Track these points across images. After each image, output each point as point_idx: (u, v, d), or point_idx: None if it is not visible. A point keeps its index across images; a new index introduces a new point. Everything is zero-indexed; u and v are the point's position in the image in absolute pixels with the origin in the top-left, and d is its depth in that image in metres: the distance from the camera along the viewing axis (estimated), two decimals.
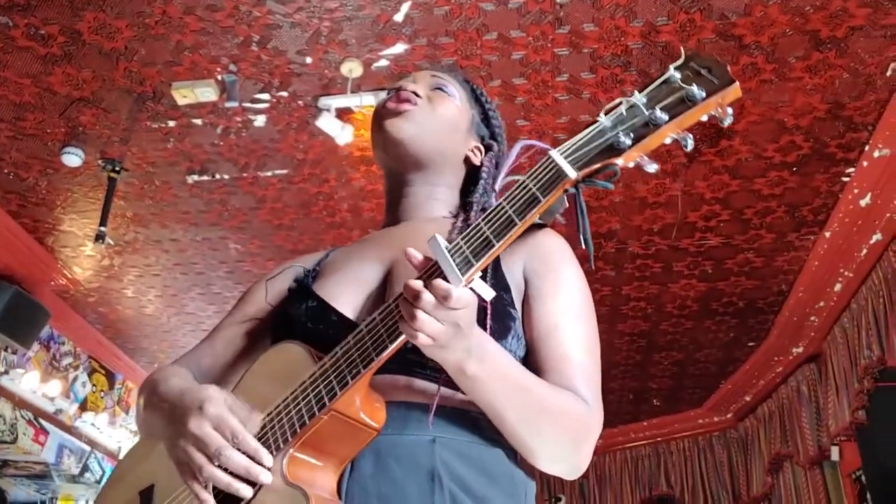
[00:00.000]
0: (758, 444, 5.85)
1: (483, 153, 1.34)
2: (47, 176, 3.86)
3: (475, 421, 1.04)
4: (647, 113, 0.87)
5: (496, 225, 0.89)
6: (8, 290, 4.27)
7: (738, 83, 0.86)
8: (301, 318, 1.14)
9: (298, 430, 0.94)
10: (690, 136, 0.88)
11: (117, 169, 3.75)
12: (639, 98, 0.88)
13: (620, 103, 0.89)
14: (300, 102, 3.37)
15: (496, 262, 1.14)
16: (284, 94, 3.32)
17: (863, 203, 3.79)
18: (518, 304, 1.13)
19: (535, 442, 1.03)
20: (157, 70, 3.20)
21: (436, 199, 1.29)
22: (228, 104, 3.34)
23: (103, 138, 3.60)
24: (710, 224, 4.06)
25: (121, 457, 0.62)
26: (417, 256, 0.93)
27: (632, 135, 0.87)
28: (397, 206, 1.30)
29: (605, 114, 0.89)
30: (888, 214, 3.78)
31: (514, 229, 0.88)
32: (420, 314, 0.87)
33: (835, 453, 4.85)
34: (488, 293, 0.92)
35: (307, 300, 1.17)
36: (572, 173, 0.88)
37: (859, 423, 4.28)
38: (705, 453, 6.43)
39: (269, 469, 0.93)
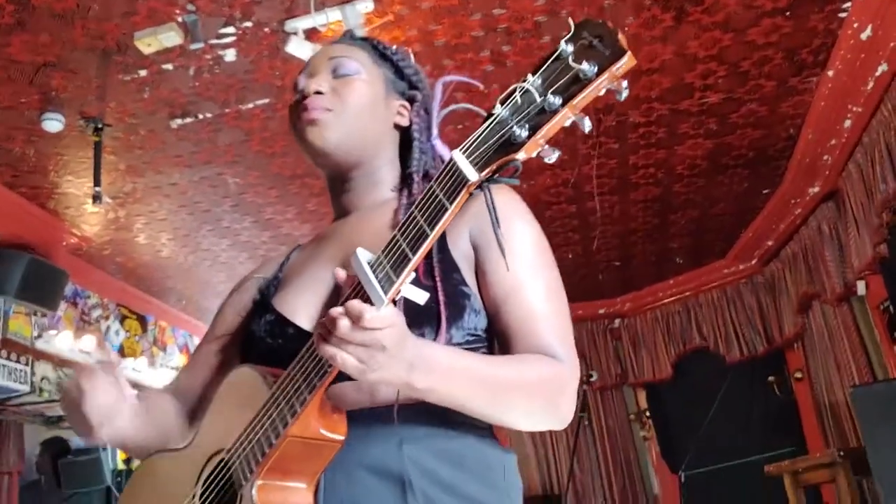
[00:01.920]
0: (785, 286, 5.87)
1: (409, 108, 1.29)
2: (33, 144, 3.82)
3: (441, 413, 1.03)
4: (538, 100, 0.81)
5: (410, 237, 0.87)
6: (22, 258, 4.31)
7: (629, 53, 0.79)
8: (260, 334, 1.14)
9: (260, 460, 0.95)
10: (586, 118, 0.83)
11: (100, 126, 3.69)
12: (532, 82, 0.82)
13: (515, 90, 0.84)
14: (266, 30, 3.25)
15: (441, 241, 1.11)
16: (249, 24, 3.20)
17: (863, 36, 3.63)
18: (471, 276, 1.12)
19: (508, 419, 1.04)
20: (115, 24, 3.09)
21: (378, 182, 1.26)
22: (194, 46, 3.23)
23: (79, 99, 3.53)
24: (708, 82, 3.93)
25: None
26: (342, 276, 0.91)
27: (527, 125, 0.82)
28: (341, 199, 1.28)
29: (502, 103, 0.84)
30: (892, 44, 3.62)
31: (428, 240, 0.86)
32: (334, 342, 0.86)
33: (861, 288, 4.86)
34: (421, 296, 0.90)
35: (265, 314, 1.16)
36: (473, 176, 0.84)
37: (882, 257, 4.27)
38: (734, 302, 6.49)
39: None
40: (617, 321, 7.17)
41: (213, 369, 1.27)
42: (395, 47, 1.34)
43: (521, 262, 1.11)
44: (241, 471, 0.96)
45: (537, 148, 0.83)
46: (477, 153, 0.85)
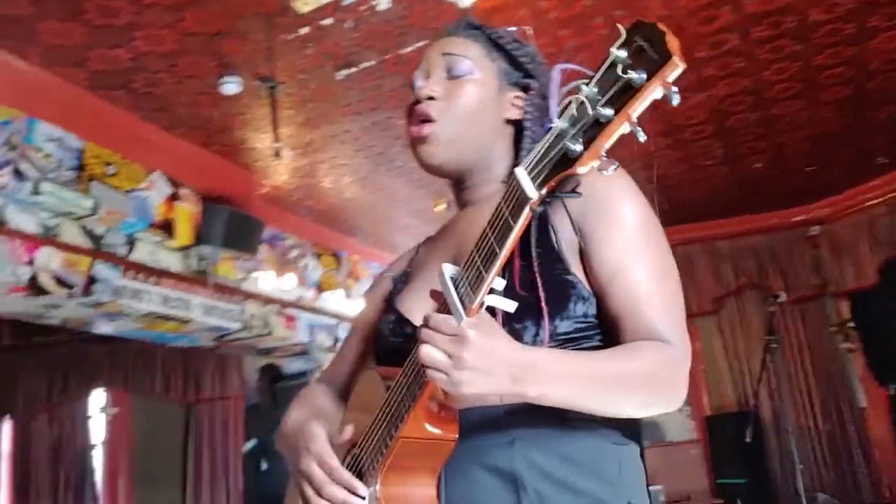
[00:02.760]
0: None
1: (524, 97, 1.26)
2: (217, 106, 4.12)
3: (552, 411, 1.03)
4: (591, 112, 0.79)
5: (484, 255, 0.89)
6: (223, 211, 4.70)
7: (675, 57, 0.74)
8: (385, 333, 1.20)
9: (380, 460, 1.01)
10: (640, 129, 0.79)
11: (273, 85, 3.90)
12: (587, 91, 0.80)
13: (571, 101, 0.81)
14: None
15: (544, 229, 1.11)
16: None
17: None
18: (576, 262, 1.11)
19: (625, 411, 1.03)
20: None
21: (492, 177, 1.26)
22: (347, 0, 3.32)
23: (251, 62, 3.75)
24: None
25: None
26: (437, 290, 0.95)
27: (581, 139, 0.80)
28: (459, 195, 1.30)
29: (559, 116, 0.82)
30: None
31: (499, 259, 0.87)
32: (423, 349, 0.92)
33: None
34: (509, 305, 0.91)
35: (389, 313, 1.22)
36: (533, 194, 0.84)
37: None
38: None
39: (363, 497, 1.02)
40: (814, 228, 6.71)
41: (357, 360, 1.35)
42: (511, 33, 1.31)
43: (625, 244, 1.09)
44: (369, 468, 1.04)
45: (594, 160, 0.82)
46: (537, 169, 0.85)
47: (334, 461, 1.04)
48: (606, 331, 1.11)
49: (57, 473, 7.14)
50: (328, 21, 3.50)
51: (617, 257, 1.09)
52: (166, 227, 4.57)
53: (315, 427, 1.09)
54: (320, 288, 5.95)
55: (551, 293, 1.07)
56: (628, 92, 0.77)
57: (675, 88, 0.78)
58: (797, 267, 6.64)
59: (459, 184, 1.28)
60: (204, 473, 6.97)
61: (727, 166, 5.65)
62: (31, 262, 3.87)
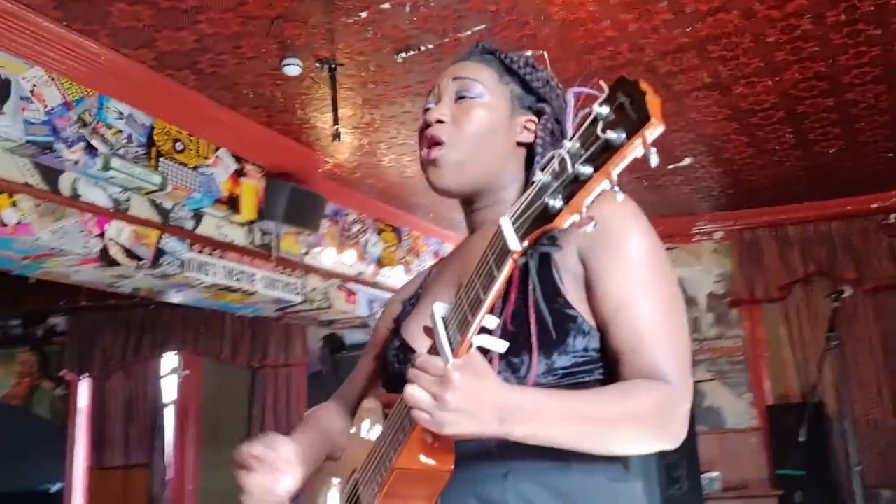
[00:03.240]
0: None
1: (537, 122, 1.26)
2: (279, 87, 4.20)
3: (546, 447, 1.05)
4: (570, 169, 0.79)
5: (470, 300, 0.91)
6: (285, 188, 4.81)
7: (654, 119, 0.74)
8: (390, 360, 1.23)
9: (376, 489, 1.05)
10: (617, 187, 0.80)
11: (333, 66, 3.95)
12: (569, 147, 0.80)
13: (553, 156, 0.82)
14: None
15: (546, 262, 1.11)
16: None
17: None
18: (579, 295, 1.11)
19: (618, 450, 1.05)
20: None
21: (501, 201, 1.26)
22: None
23: (311, 44, 3.80)
24: None
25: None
26: (429, 327, 0.96)
27: (561, 194, 0.81)
28: (469, 217, 1.32)
29: (542, 169, 0.83)
30: None
31: (484, 306, 0.88)
32: (409, 389, 0.95)
33: None
34: (500, 346, 0.93)
35: (395, 338, 1.25)
36: (515, 246, 0.85)
37: None
38: None
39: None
40: (892, 216, 6.46)
41: (368, 379, 1.39)
42: (526, 57, 1.31)
43: (630, 278, 1.09)
44: (367, 493, 1.08)
45: (573, 216, 0.82)
46: (520, 221, 0.86)
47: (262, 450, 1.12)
48: (609, 365, 1.11)
49: (131, 429, 7.50)
50: (386, 5, 3.52)
51: (621, 291, 1.09)
52: (231, 203, 4.69)
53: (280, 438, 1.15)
54: (381, 263, 6.04)
55: (548, 328, 1.07)
56: (608, 151, 0.77)
57: (653, 149, 0.78)
58: (871, 256, 6.42)
59: (469, 205, 1.30)
60: None
61: (798, 151, 5.48)
62: (101, 235, 4.05)
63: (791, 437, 5.77)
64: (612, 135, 0.77)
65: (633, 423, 1.02)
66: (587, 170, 0.79)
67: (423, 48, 3.88)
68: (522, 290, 1.10)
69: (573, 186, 0.80)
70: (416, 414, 0.95)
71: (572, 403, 1.01)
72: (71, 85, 3.84)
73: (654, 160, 0.80)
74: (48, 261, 4.02)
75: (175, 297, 5.04)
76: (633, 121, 0.76)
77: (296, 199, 4.86)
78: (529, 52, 1.34)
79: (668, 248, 6.92)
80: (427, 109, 1.29)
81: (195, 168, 4.47)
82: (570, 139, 0.81)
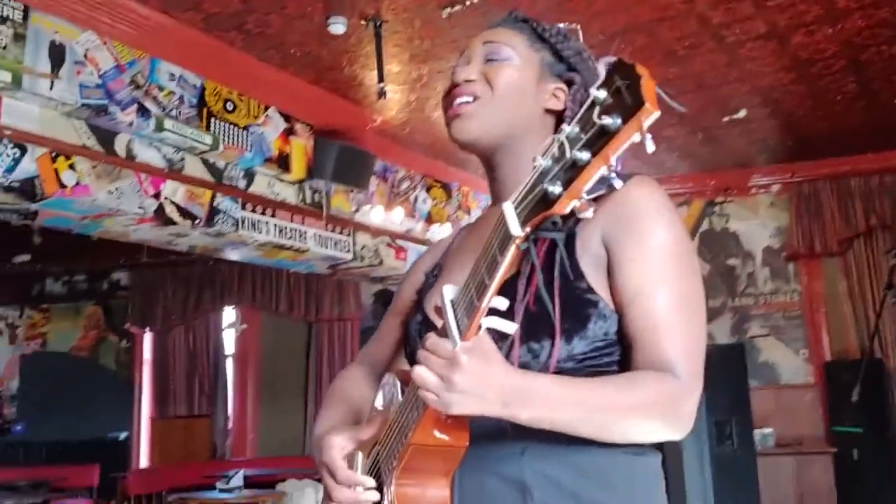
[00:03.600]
0: None
1: (567, 91, 1.24)
2: (326, 45, 4.20)
3: None
4: (568, 155, 0.78)
5: (476, 285, 0.92)
6: (333, 146, 4.84)
7: (648, 104, 0.73)
8: (412, 334, 1.24)
9: (394, 463, 1.07)
10: (613, 173, 0.79)
11: (378, 24, 3.93)
12: (568, 131, 0.79)
13: (553, 140, 0.81)
14: None
15: (570, 244, 1.10)
16: None
17: None
18: (601, 279, 1.10)
19: (620, 439, 1.05)
20: None
21: (525, 169, 1.24)
22: None
23: (356, 2, 3.78)
24: None
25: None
26: (440, 308, 0.98)
27: (561, 180, 0.80)
28: (492, 186, 1.31)
29: (542, 154, 0.82)
30: None
31: (489, 290, 0.89)
32: (416, 370, 0.96)
33: None
34: (510, 327, 0.93)
35: (417, 313, 1.26)
36: (517, 231, 0.84)
37: None
38: None
39: (372, 488, 1.11)
40: None
41: (396, 342, 1.40)
42: (559, 28, 1.29)
43: (650, 267, 1.08)
44: (386, 467, 1.11)
45: (572, 201, 0.81)
46: (522, 206, 0.85)
47: (340, 468, 1.13)
48: (624, 349, 1.11)
49: (192, 381, 7.77)
50: None
51: (639, 280, 1.08)
52: (282, 162, 4.75)
53: (329, 439, 1.17)
54: (430, 220, 6.06)
55: (569, 313, 1.07)
56: (604, 136, 0.76)
57: (649, 135, 0.77)
58: None
59: (491, 170, 1.29)
60: (323, 388, 7.39)
61: (861, 102, 5.28)
62: (157, 195, 4.15)
63: (849, 394, 5.69)
64: (607, 120, 0.76)
65: (638, 414, 1.02)
66: (585, 155, 0.78)
67: (468, 3, 3.83)
68: (547, 274, 1.09)
69: (572, 172, 0.79)
70: (423, 394, 0.97)
71: (579, 391, 1.01)
72: (123, 48, 3.90)
73: (650, 146, 0.79)
74: (106, 220, 4.14)
75: (230, 255, 5.15)
76: (629, 106, 0.75)
77: (344, 157, 4.90)
78: (562, 25, 1.32)
79: (723, 202, 6.86)
80: (454, 73, 1.29)
81: (246, 128, 4.53)
82: (570, 122, 0.81)
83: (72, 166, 3.78)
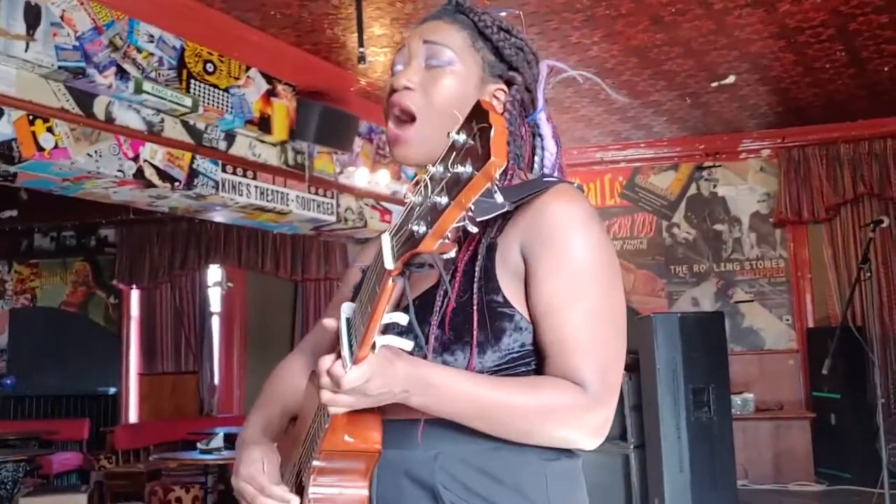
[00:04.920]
0: None
1: (507, 92, 1.21)
2: (307, 7, 4.14)
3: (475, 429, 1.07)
4: (430, 197, 0.78)
5: (363, 311, 0.92)
6: (316, 107, 4.79)
7: (494, 158, 0.73)
8: None
9: (311, 465, 1.09)
10: (469, 223, 0.78)
11: None
12: (432, 171, 0.78)
13: (420, 180, 0.80)
14: None
15: (489, 256, 1.10)
16: None
17: None
18: (518, 289, 1.10)
19: (521, 438, 1.06)
20: None
21: None
22: None
23: None
24: None
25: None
26: (332, 326, 1.00)
27: (423, 221, 0.79)
28: None
29: (414, 188, 0.82)
30: None
31: (374, 319, 0.89)
32: (323, 395, 0.98)
33: None
34: (405, 345, 0.95)
35: None
36: (390, 265, 0.84)
37: None
38: None
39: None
40: None
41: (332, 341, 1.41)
42: (500, 19, 1.25)
43: (564, 281, 1.07)
44: (305, 470, 1.12)
45: (436, 242, 0.80)
46: (396, 238, 0.85)
47: (262, 480, 1.14)
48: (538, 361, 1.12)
49: (179, 338, 7.81)
50: None
51: (553, 295, 1.07)
52: (263, 123, 4.71)
53: (251, 452, 1.19)
54: (416, 182, 6.03)
55: (483, 326, 1.07)
56: (459, 184, 0.76)
57: (496, 189, 0.77)
58: None
59: None
60: None
61: (851, 70, 5.24)
62: (136, 158, 4.12)
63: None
64: (460, 168, 0.75)
65: (535, 416, 1.04)
66: (443, 200, 0.77)
67: None
68: (465, 285, 1.09)
69: (434, 214, 0.78)
70: (334, 410, 1.01)
71: (475, 386, 1.03)
72: (101, 9, 3.84)
73: (500, 199, 0.79)
74: (86, 182, 4.12)
75: (212, 216, 5.15)
76: (479, 156, 0.74)
77: (327, 119, 4.86)
78: (504, 13, 1.29)
79: (712, 167, 6.85)
80: (393, 71, 1.25)
81: (226, 89, 4.48)
82: (435, 163, 0.79)
83: (50, 129, 3.75)
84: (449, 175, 0.76)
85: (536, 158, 1.22)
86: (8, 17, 3.50)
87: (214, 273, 7.85)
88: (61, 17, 3.69)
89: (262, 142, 4.79)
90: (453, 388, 1.02)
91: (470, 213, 0.79)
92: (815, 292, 6.60)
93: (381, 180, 5.54)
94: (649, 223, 6.99)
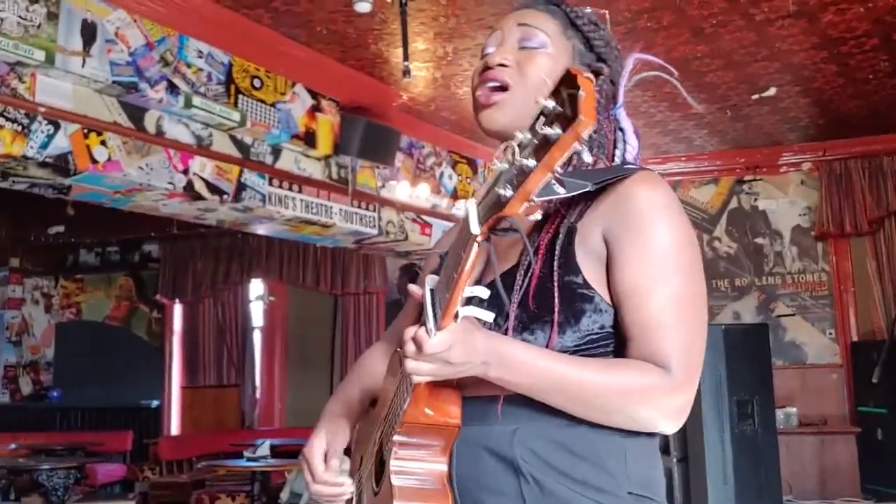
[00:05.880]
0: None
1: (594, 81, 1.24)
2: (352, 23, 4.22)
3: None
4: (517, 160, 0.82)
5: (447, 280, 0.95)
6: (359, 122, 4.87)
7: (583, 117, 0.76)
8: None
9: (392, 438, 1.12)
10: (557, 183, 0.82)
11: (404, 2, 3.94)
12: (520, 138, 0.82)
13: (509, 144, 0.84)
14: None
15: (568, 238, 1.13)
16: None
17: None
18: (599, 274, 1.12)
19: (600, 418, 1.08)
20: None
21: None
22: None
23: None
24: None
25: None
26: (418, 294, 1.03)
27: (510, 185, 0.83)
28: None
29: (502, 155, 0.85)
30: None
31: (458, 286, 0.93)
32: (408, 363, 1.00)
33: None
34: (487, 315, 0.98)
35: None
36: (476, 230, 0.87)
37: None
38: None
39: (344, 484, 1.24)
40: None
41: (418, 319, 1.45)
42: (589, 14, 1.29)
43: (648, 266, 1.09)
44: (387, 443, 1.16)
45: (521, 205, 0.84)
46: (483, 202, 0.88)
47: (316, 468, 1.26)
48: (621, 341, 1.13)
49: (221, 351, 7.91)
50: None
51: (635, 278, 1.09)
52: (308, 138, 4.80)
53: (320, 428, 1.30)
54: (456, 195, 6.09)
55: (563, 307, 1.09)
56: (547, 145, 0.79)
57: (584, 148, 0.80)
58: None
59: None
60: (349, 359, 7.49)
61: (893, 80, 5.19)
62: (185, 171, 4.22)
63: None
64: (548, 130, 0.79)
65: (615, 395, 1.06)
66: (531, 162, 0.80)
67: None
68: (545, 266, 1.12)
69: (520, 177, 0.82)
70: (417, 378, 1.03)
71: (552, 362, 1.05)
72: (152, 26, 3.96)
73: (587, 157, 0.83)
74: (137, 195, 4.23)
75: (257, 229, 5.24)
76: (567, 117, 0.78)
77: (370, 134, 4.93)
78: (590, 10, 1.31)
79: (753, 180, 6.80)
80: (485, 55, 1.27)
81: (273, 104, 4.58)
82: (523, 131, 0.83)
83: (103, 142, 3.86)
84: (538, 138, 0.80)
85: (617, 151, 1.24)
86: (66, 35, 3.63)
87: (256, 287, 7.95)
88: (115, 34, 3.81)
89: (307, 156, 4.88)
90: (531, 362, 1.05)
91: (557, 175, 0.82)
92: (858, 306, 6.51)
93: (421, 194, 5.60)
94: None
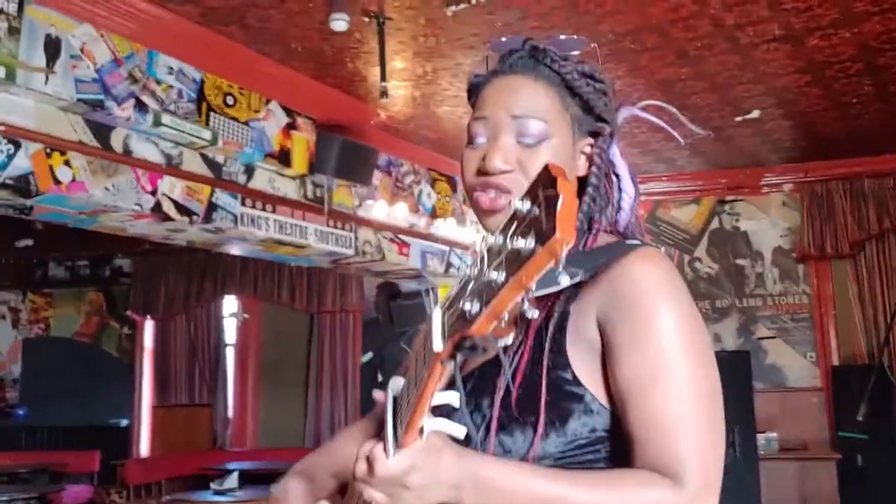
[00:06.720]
0: None
1: (594, 144, 1.13)
2: (327, 41, 4.10)
3: None
4: (485, 272, 0.68)
5: (409, 394, 0.83)
6: (336, 140, 4.74)
7: (559, 234, 0.62)
8: None
9: None
10: (529, 305, 0.67)
11: (381, 21, 3.83)
12: (491, 241, 0.69)
13: (480, 247, 0.71)
14: None
15: (559, 330, 1.00)
16: None
17: None
18: (592, 369, 0.99)
19: None
20: None
21: None
22: None
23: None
24: None
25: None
26: (381, 402, 0.90)
27: (478, 299, 0.69)
28: None
29: (471, 259, 0.72)
30: None
31: (422, 404, 0.80)
32: (357, 486, 0.88)
33: None
34: (458, 431, 0.84)
35: None
36: (439, 348, 0.74)
37: None
38: None
39: None
40: None
41: None
42: (584, 68, 1.14)
43: (651, 358, 0.95)
44: None
45: (490, 325, 0.70)
46: (447, 316, 0.75)
47: None
48: (618, 443, 0.99)
49: (193, 369, 7.73)
50: None
51: (636, 371, 0.95)
52: (283, 156, 4.66)
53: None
54: (434, 214, 5.97)
55: (552, 405, 0.96)
56: (519, 259, 0.66)
57: (561, 270, 0.65)
58: None
59: None
60: (325, 378, 7.34)
61: (878, 104, 5.16)
62: (154, 192, 4.07)
63: (855, 400, 5.60)
64: (521, 242, 0.65)
65: None
66: (500, 276, 0.67)
67: (473, 1, 3.73)
68: (533, 358, 0.99)
69: (488, 292, 0.68)
70: (370, 497, 0.89)
71: (534, 481, 0.90)
72: (120, 41, 3.81)
73: (565, 280, 0.71)
74: (102, 216, 4.07)
75: (230, 249, 5.09)
76: (543, 230, 0.64)
77: (347, 152, 4.81)
78: (576, 52, 1.16)
79: (734, 201, 6.75)
80: (470, 142, 1.14)
81: (246, 122, 4.44)
82: (494, 233, 0.70)
83: (67, 162, 3.71)
84: (509, 248, 0.67)
85: (613, 200, 1.13)
86: (28, 50, 3.47)
87: (230, 304, 7.78)
88: (81, 50, 3.66)
89: (282, 175, 4.74)
90: (512, 487, 0.89)
91: (530, 296, 0.68)
92: (839, 329, 6.45)
93: (399, 213, 5.48)
94: (671, 257, 6.89)
